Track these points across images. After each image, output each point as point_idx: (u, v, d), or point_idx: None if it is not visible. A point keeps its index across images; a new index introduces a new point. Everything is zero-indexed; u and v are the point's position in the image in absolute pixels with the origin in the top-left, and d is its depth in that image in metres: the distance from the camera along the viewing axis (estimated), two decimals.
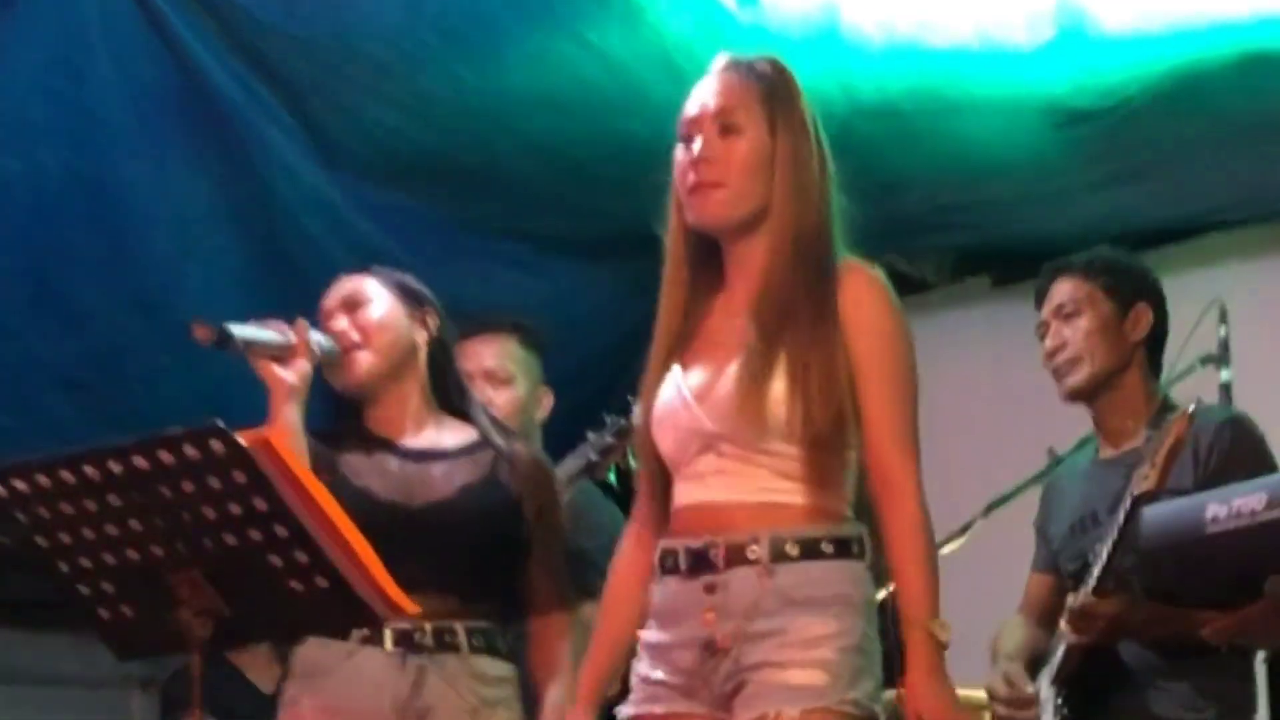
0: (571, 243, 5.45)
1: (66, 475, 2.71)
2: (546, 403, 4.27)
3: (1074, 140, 4.77)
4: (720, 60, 2.95)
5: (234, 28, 4.64)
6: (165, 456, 2.66)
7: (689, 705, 2.77)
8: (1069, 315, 3.64)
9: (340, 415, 3.42)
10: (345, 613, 2.78)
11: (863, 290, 2.82)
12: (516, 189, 5.11)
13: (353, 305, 3.39)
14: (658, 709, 2.79)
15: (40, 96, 4.60)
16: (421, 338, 3.42)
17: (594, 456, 4.05)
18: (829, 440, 2.75)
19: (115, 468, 2.68)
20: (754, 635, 2.71)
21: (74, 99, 4.61)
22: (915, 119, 4.77)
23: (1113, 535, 3.35)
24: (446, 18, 4.58)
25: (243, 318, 3.26)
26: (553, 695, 3.31)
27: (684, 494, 2.83)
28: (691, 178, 2.84)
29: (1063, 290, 3.67)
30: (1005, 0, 4.51)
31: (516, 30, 4.59)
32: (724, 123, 2.85)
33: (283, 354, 3.26)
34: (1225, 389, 4.10)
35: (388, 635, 3.22)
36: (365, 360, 3.36)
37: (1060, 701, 3.50)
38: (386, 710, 3.21)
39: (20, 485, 2.73)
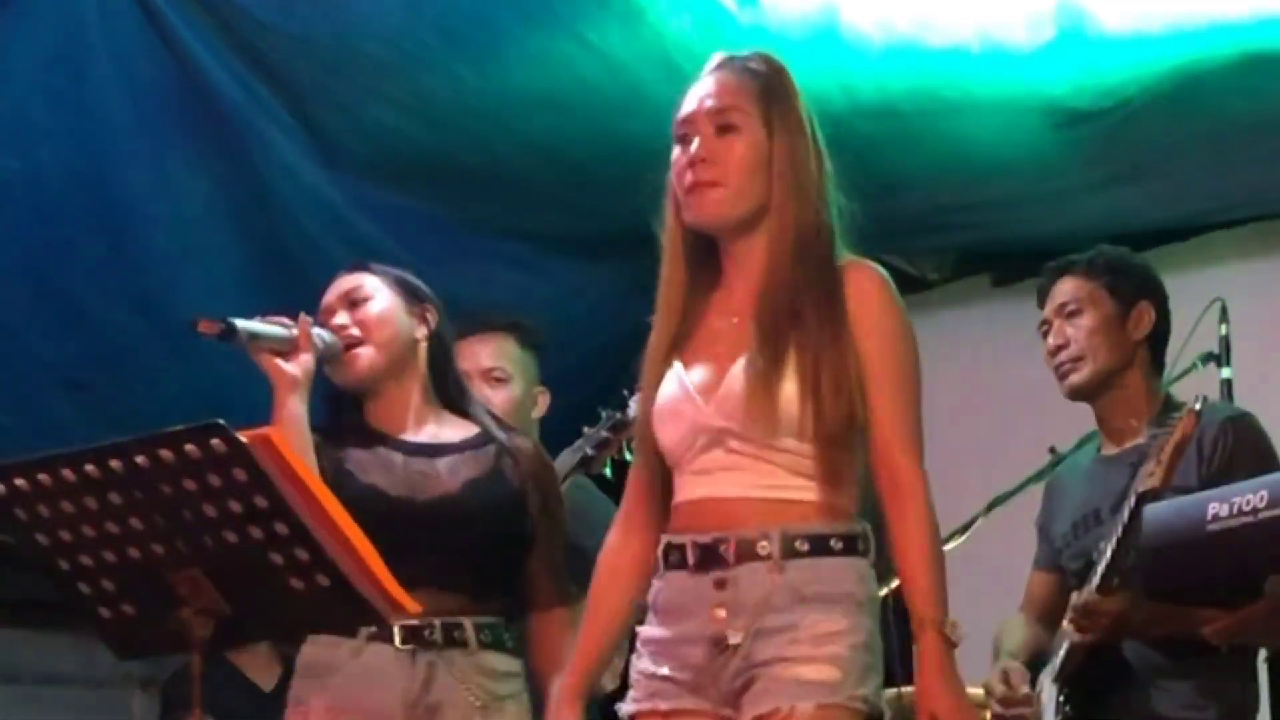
0: (571, 243, 5.45)
1: (67, 473, 2.71)
2: (543, 402, 4.27)
3: (1074, 140, 4.77)
4: (715, 59, 2.94)
5: (234, 27, 4.64)
6: (166, 454, 2.66)
7: (696, 701, 2.77)
8: (1071, 314, 3.65)
9: (341, 411, 3.42)
10: (346, 611, 2.78)
11: (869, 289, 2.83)
12: (516, 189, 5.11)
13: (353, 301, 3.40)
14: (663, 705, 2.78)
15: (40, 96, 4.60)
16: (421, 333, 3.43)
17: (590, 451, 4.05)
18: (840, 438, 2.75)
19: (116, 466, 2.68)
20: (765, 631, 2.71)
21: (74, 99, 4.61)
22: (915, 119, 4.77)
23: (1117, 533, 3.35)
24: (447, 18, 4.59)
25: (244, 316, 3.27)
26: (557, 690, 3.31)
27: (688, 489, 2.82)
28: (689, 177, 2.84)
29: (1065, 289, 3.68)
30: (1005, 0, 4.51)
31: (516, 30, 4.59)
32: (720, 122, 2.85)
33: (286, 348, 3.28)
34: (1225, 387, 4.10)
35: (396, 632, 3.22)
36: (366, 356, 3.37)
37: (1063, 700, 3.50)
38: (396, 707, 3.21)
39: (21, 483, 2.73)
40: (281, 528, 2.68)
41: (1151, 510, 2.76)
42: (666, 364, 2.87)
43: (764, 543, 2.73)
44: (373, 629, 3.18)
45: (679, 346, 2.87)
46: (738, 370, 2.78)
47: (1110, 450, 3.65)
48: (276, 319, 3.31)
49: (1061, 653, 3.50)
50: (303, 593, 2.72)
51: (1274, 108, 4.53)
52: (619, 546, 2.94)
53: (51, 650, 5.82)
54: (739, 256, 2.87)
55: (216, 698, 2.89)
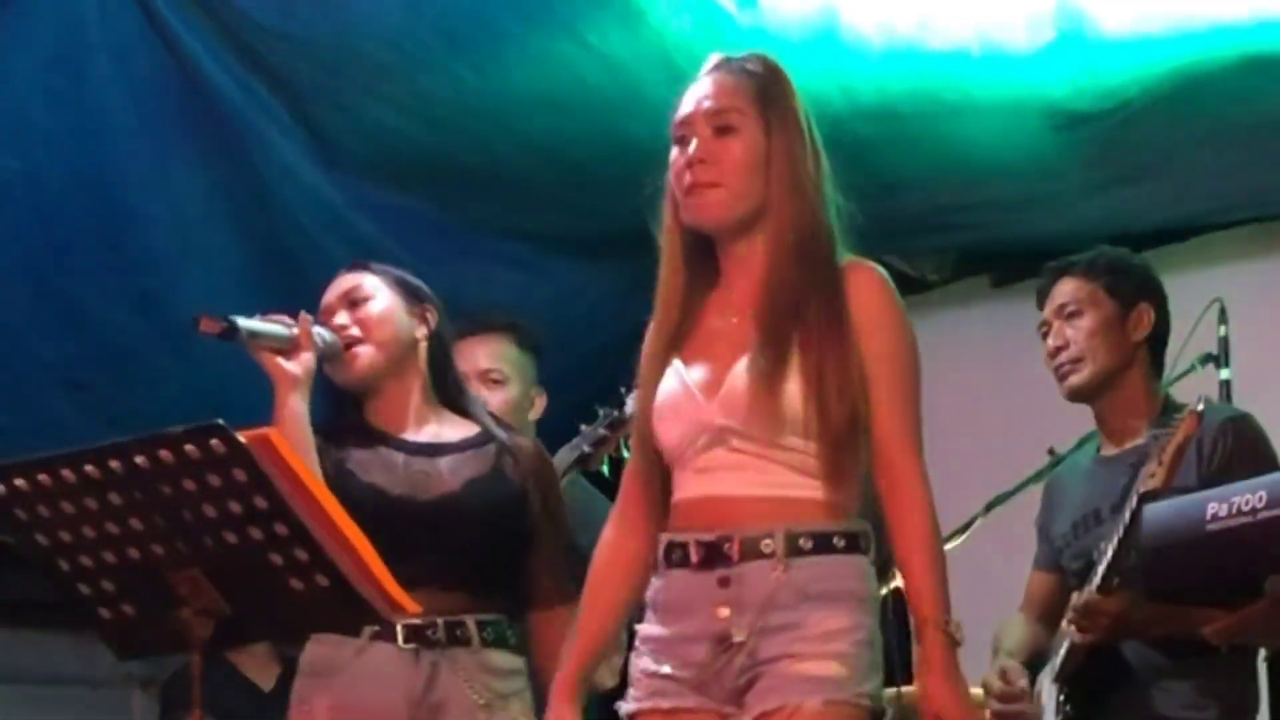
0: (571, 243, 5.45)
1: (67, 473, 2.71)
2: (540, 403, 4.27)
3: (1074, 142, 4.77)
4: (712, 60, 2.95)
5: (234, 28, 4.64)
6: (166, 455, 2.66)
7: (698, 700, 2.76)
8: (1071, 315, 3.65)
9: (341, 411, 3.43)
10: (346, 611, 2.78)
11: (870, 289, 2.83)
12: (516, 189, 5.11)
13: (353, 301, 3.41)
14: (664, 704, 2.78)
15: (40, 96, 4.60)
16: (422, 333, 3.43)
17: (587, 448, 4.05)
18: (844, 437, 2.75)
19: (116, 466, 2.68)
20: (770, 629, 2.71)
21: (74, 99, 4.62)
22: (915, 120, 4.77)
23: (1118, 533, 3.35)
24: (447, 18, 4.59)
25: (244, 315, 3.28)
26: (553, 685, 3.30)
27: (689, 487, 2.82)
28: (688, 178, 2.84)
29: (1065, 290, 3.68)
30: (1005, 2, 4.51)
31: (516, 31, 4.59)
32: (718, 123, 2.85)
33: (286, 346, 3.28)
34: (1225, 388, 4.10)
35: (399, 631, 3.22)
36: (365, 355, 3.37)
37: (1063, 700, 3.50)
38: (399, 706, 3.22)
39: (21, 483, 2.73)
40: (281, 528, 2.68)
41: (1151, 510, 2.76)
42: (665, 362, 2.87)
43: (768, 541, 2.73)
44: (376, 628, 3.18)
45: (677, 345, 2.87)
46: (740, 369, 2.78)
47: (1110, 451, 3.66)
48: (277, 317, 3.31)
49: (1062, 653, 3.50)
50: (302, 593, 2.73)
51: (1274, 109, 4.53)
52: (614, 543, 2.94)
53: (51, 650, 5.82)
54: (738, 256, 2.87)
55: (216, 698, 2.89)
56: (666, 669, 2.78)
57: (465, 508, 3.31)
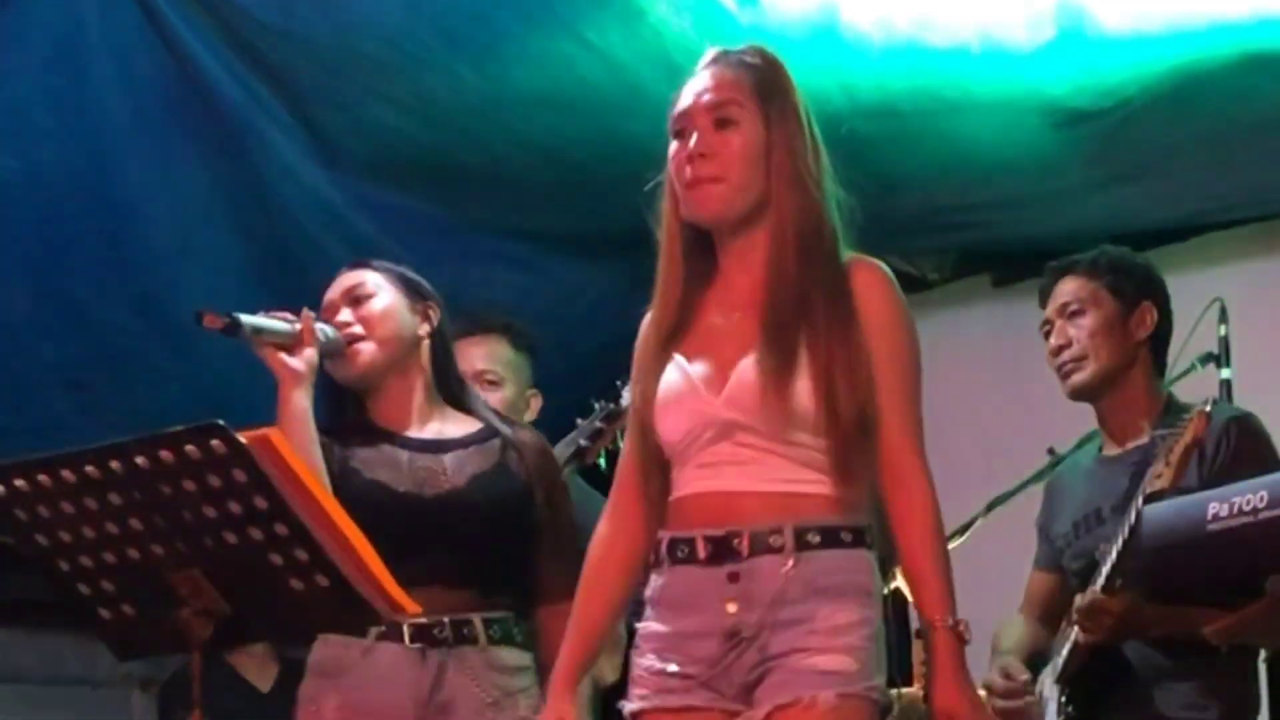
0: (571, 243, 5.45)
1: (67, 474, 2.71)
2: (535, 404, 4.27)
3: (1074, 140, 4.77)
4: (710, 53, 2.94)
5: (234, 27, 4.63)
6: (166, 455, 2.66)
7: (705, 697, 2.76)
8: (1074, 313, 3.65)
9: (342, 409, 3.43)
10: (346, 611, 2.77)
11: (875, 286, 2.83)
12: (516, 189, 5.11)
13: (355, 298, 3.41)
14: (673, 701, 2.77)
15: (40, 96, 4.60)
16: (424, 330, 3.44)
17: (584, 442, 4.05)
18: (854, 434, 2.75)
19: (116, 466, 2.68)
20: (780, 623, 2.71)
21: (74, 99, 4.61)
22: (915, 119, 4.77)
23: (1123, 534, 3.35)
24: (447, 18, 4.58)
25: (246, 313, 3.27)
26: (551, 680, 3.30)
27: (692, 482, 2.81)
28: (689, 173, 2.83)
29: (1067, 289, 3.68)
30: (1005, 0, 4.50)
31: (516, 30, 4.59)
32: (718, 116, 2.84)
33: (289, 342, 3.28)
34: (1225, 388, 4.10)
35: (406, 630, 3.22)
36: (366, 351, 3.37)
37: (1064, 700, 3.50)
38: (407, 706, 3.22)
39: (21, 484, 2.73)
40: (281, 528, 2.68)
41: (1151, 510, 2.76)
42: (664, 357, 2.85)
43: (776, 535, 2.73)
44: (382, 628, 3.18)
45: (676, 340, 2.87)
46: (747, 364, 2.77)
47: (1112, 450, 3.65)
48: (280, 314, 3.32)
49: (1064, 653, 3.50)
50: (302, 593, 2.72)
51: (1274, 108, 4.53)
52: (609, 539, 2.93)
53: (51, 650, 5.82)
54: (738, 251, 2.87)
55: (215, 698, 2.89)
56: (673, 667, 2.78)
57: (470, 503, 3.31)
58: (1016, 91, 4.65)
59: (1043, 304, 3.74)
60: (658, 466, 2.87)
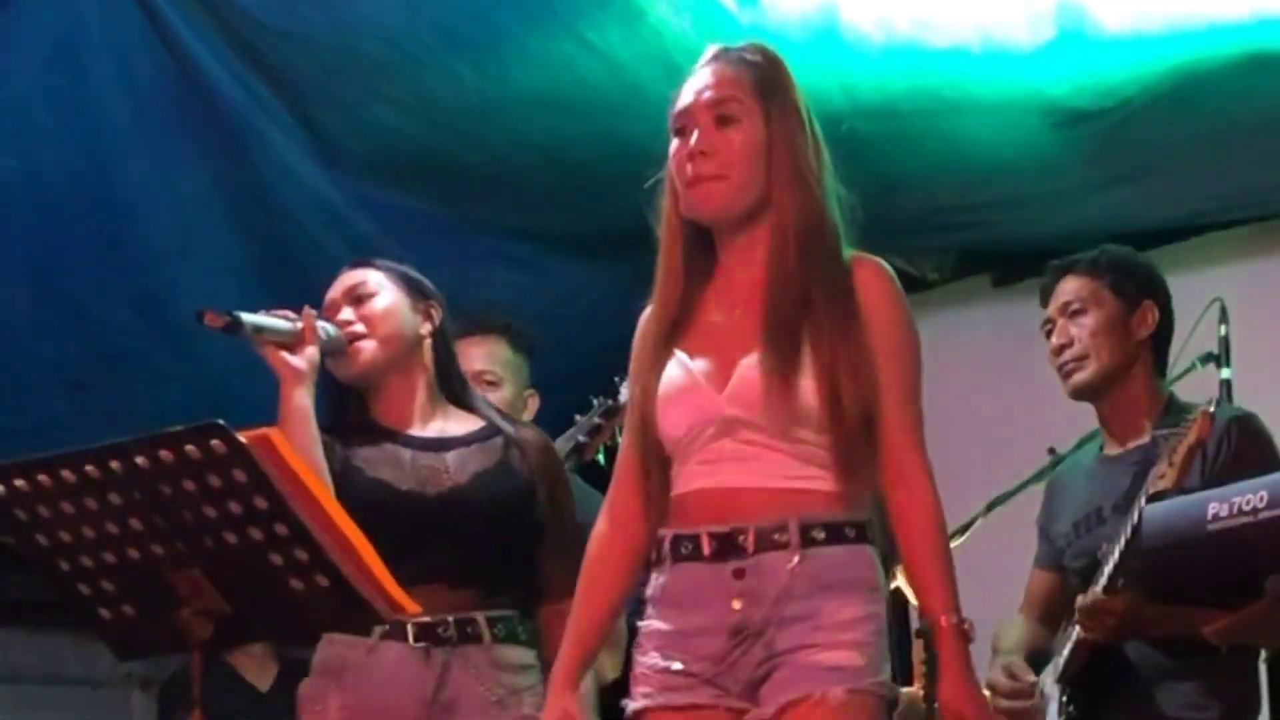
0: (571, 243, 5.45)
1: (67, 474, 2.70)
2: (532, 405, 4.27)
3: (1074, 140, 4.77)
4: (710, 51, 2.93)
5: (234, 27, 4.63)
6: (166, 455, 2.65)
7: (711, 694, 2.75)
8: (1075, 312, 3.65)
9: (343, 408, 3.42)
10: (346, 611, 2.77)
11: (876, 283, 2.83)
12: (516, 189, 5.11)
13: (357, 297, 3.41)
14: (678, 700, 2.76)
15: (40, 96, 4.60)
16: (426, 329, 3.43)
17: (583, 438, 4.05)
18: (858, 432, 2.75)
19: (116, 466, 2.68)
20: (786, 619, 2.71)
21: (74, 99, 4.61)
22: (915, 119, 4.77)
23: (1125, 534, 3.35)
24: (447, 18, 4.58)
25: (247, 311, 3.27)
26: (552, 676, 3.29)
27: (695, 479, 2.81)
28: (690, 170, 2.83)
29: (1069, 288, 3.68)
30: (1005, 1, 4.51)
31: (517, 30, 4.59)
32: (719, 113, 2.84)
33: (290, 341, 3.28)
34: (1225, 388, 4.10)
35: (410, 630, 3.22)
36: (367, 350, 3.37)
37: (1066, 699, 3.50)
38: (411, 705, 3.22)
39: (21, 484, 2.73)
40: (281, 528, 2.68)
41: (1151, 510, 2.76)
42: (664, 353, 2.85)
43: (781, 532, 2.73)
44: (386, 627, 3.17)
45: (676, 337, 2.86)
46: (750, 361, 2.77)
47: (1113, 450, 3.65)
48: (281, 312, 3.31)
49: (1065, 652, 3.49)
50: (302, 593, 2.72)
51: (1274, 108, 4.53)
52: (608, 536, 2.92)
53: (51, 650, 5.82)
54: (739, 249, 2.86)
55: (215, 699, 2.89)
56: (677, 665, 2.77)
57: (473, 501, 3.31)
58: (1017, 92, 4.65)
59: (1044, 303, 3.73)
60: (657, 463, 2.86)
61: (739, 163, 2.82)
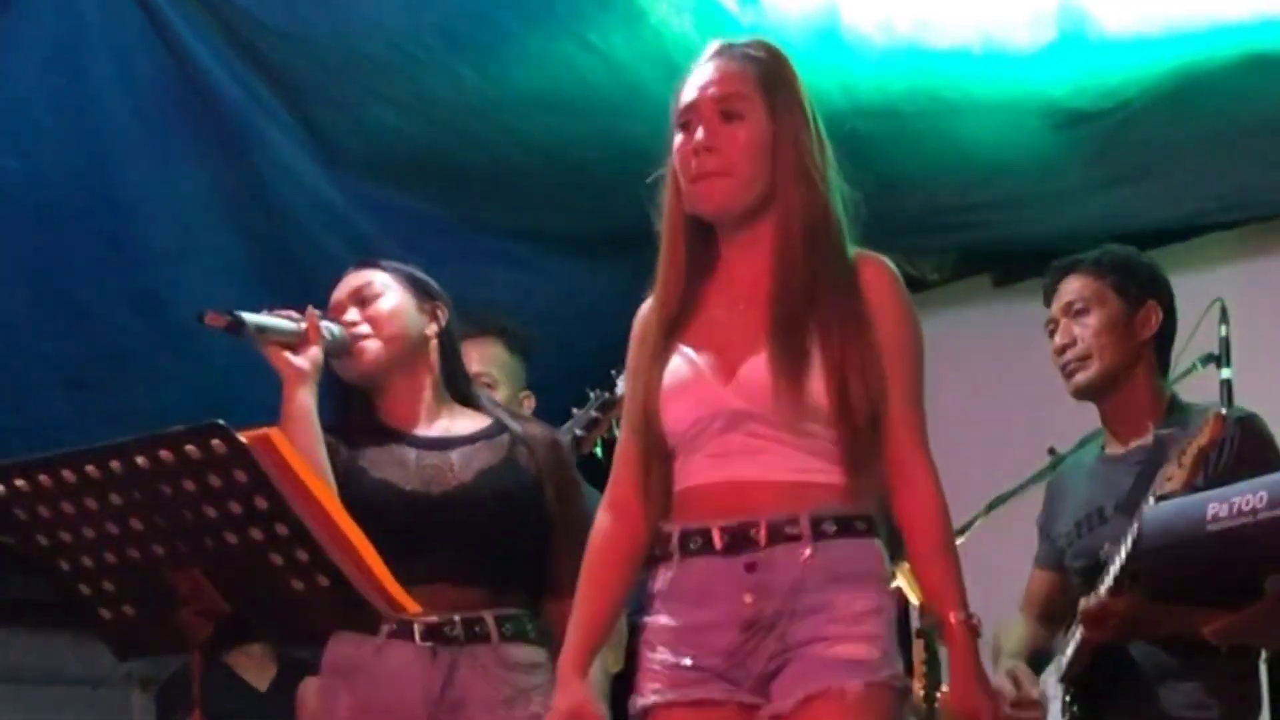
0: (571, 243, 5.45)
1: (67, 474, 2.70)
2: (529, 406, 4.26)
3: (1074, 141, 4.77)
4: (713, 46, 2.93)
5: (234, 27, 4.64)
6: (166, 455, 2.65)
7: (724, 689, 2.75)
8: (1078, 312, 3.65)
9: (348, 408, 3.42)
10: (347, 611, 2.77)
11: (882, 282, 2.84)
12: (516, 189, 5.11)
13: (363, 298, 3.41)
14: (692, 695, 2.75)
15: (40, 96, 4.60)
16: (432, 330, 3.43)
17: (579, 432, 4.04)
18: (865, 427, 2.76)
19: (116, 466, 2.68)
20: (799, 612, 2.71)
21: (74, 99, 4.61)
22: (916, 120, 4.77)
23: (1131, 534, 3.34)
24: (447, 18, 4.58)
25: (249, 311, 3.27)
26: (559, 668, 3.28)
27: (702, 473, 2.80)
28: (695, 165, 2.82)
29: (1072, 287, 3.68)
30: (1006, 2, 4.51)
31: (517, 30, 4.59)
32: (724, 109, 2.83)
33: (294, 341, 3.27)
34: (1225, 388, 4.10)
35: (417, 629, 3.21)
36: (372, 349, 3.36)
37: (1069, 700, 3.50)
38: (418, 704, 3.21)
39: (21, 484, 2.73)
40: (281, 529, 2.68)
41: (1151, 510, 2.76)
42: (666, 346, 2.84)
43: (793, 525, 2.73)
44: (394, 627, 3.17)
45: (679, 331, 2.86)
46: (758, 355, 2.77)
47: (1115, 450, 3.65)
48: (285, 312, 3.31)
49: (1069, 653, 3.49)
50: (303, 593, 2.72)
51: (1274, 108, 4.53)
52: (609, 531, 2.91)
53: (51, 650, 5.83)
54: (742, 244, 2.86)
55: (215, 699, 2.89)
56: (687, 660, 2.76)
57: (478, 499, 3.30)
58: (1017, 92, 4.65)
59: (1047, 302, 3.73)
60: (659, 457, 2.85)
61: (743, 159, 2.81)
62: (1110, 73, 4.56)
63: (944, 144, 4.86)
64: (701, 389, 2.80)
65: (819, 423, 2.75)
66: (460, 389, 3.46)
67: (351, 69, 4.72)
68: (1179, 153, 4.83)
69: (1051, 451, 3.97)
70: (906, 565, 3.66)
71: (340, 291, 3.44)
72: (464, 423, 3.41)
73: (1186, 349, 3.96)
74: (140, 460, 2.67)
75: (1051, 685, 3.55)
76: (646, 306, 2.93)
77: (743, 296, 2.84)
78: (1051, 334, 3.70)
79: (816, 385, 2.74)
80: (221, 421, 2.64)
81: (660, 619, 2.81)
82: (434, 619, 3.19)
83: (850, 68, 4.59)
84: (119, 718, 6.20)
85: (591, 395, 4.09)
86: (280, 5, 4.59)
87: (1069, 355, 3.64)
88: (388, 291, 3.41)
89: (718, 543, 2.76)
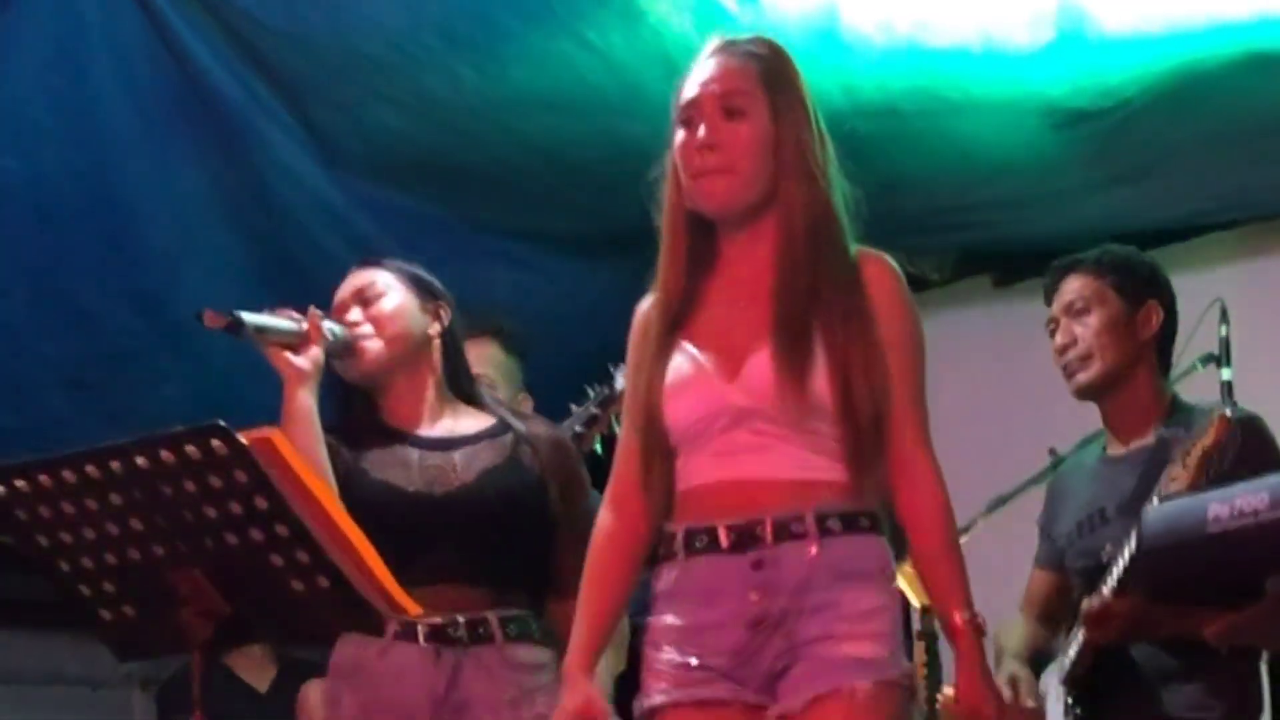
0: (571, 243, 5.45)
1: (68, 474, 2.70)
2: (526, 407, 4.26)
3: (1074, 141, 4.78)
4: (714, 43, 2.93)
5: (234, 27, 4.63)
6: (166, 455, 2.65)
7: (730, 689, 2.74)
8: (1079, 312, 3.65)
9: (350, 408, 3.42)
10: (347, 612, 2.77)
11: (883, 279, 2.84)
12: (516, 189, 5.11)
13: (366, 298, 3.40)
14: (699, 694, 2.75)
15: (40, 96, 4.60)
16: (435, 330, 3.43)
17: (579, 428, 4.04)
18: (869, 425, 2.75)
19: (116, 467, 2.68)
20: (806, 609, 2.71)
21: (74, 99, 4.61)
22: (916, 119, 4.77)
23: (1135, 535, 3.34)
24: (447, 18, 4.58)
25: (249, 311, 3.26)
26: (566, 668, 3.27)
27: (706, 471, 2.80)
28: (697, 162, 2.82)
29: (1073, 287, 3.67)
30: (1006, 1, 4.51)
31: (517, 30, 4.59)
32: (727, 106, 2.83)
33: (295, 341, 3.26)
34: (1225, 389, 4.09)
35: (420, 630, 3.21)
36: (373, 349, 3.36)
37: (1071, 700, 3.49)
38: (422, 705, 3.21)
39: (21, 484, 2.73)
40: (282, 529, 2.67)
41: (1152, 511, 2.76)
42: (668, 343, 2.84)
43: (799, 522, 2.73)
44: (398, 628, 3.17)
45: (680, 328, 2.85)
46: (762, 353, 2.77)
47: (1117, 450, 3.65)
48: (285, 312, 3.30)
49: (1072, 654, 3.49)
50: (303, 594, 2.72)
51: (1274, 108, 4.53)
52: (612, 528, 2.90)
53: (51, 650, 5.82)
54: (743, 241, 2.86)
55: (215, 699, 2.89)
56: (694, 660, 2.76)
57: (481, 498, 3.29)
58: (1017, 92, 4.65)
59: (1048, 301, 3.73)
60: (660, 454, 2.84)
61: (746, 156, 2.81)
62: (1110, 72, 4.56)
63: (944, 144, 4.86)
64: (704, 386, 2.79)
65: (822, 420, 2.75)
66: (464, 388, 3.46)
67: (351, 69, 4.71)
68: (1179, 153, 4.83)
69: (1052, 452, 3.97)
70: (907, 566, 3.65)
71: (343, 291, 3.43)
72: (467, 422, 3.41)
73: (1186, 349, 3.96)
74: (140, 461, 2.66)
75: (1053, 686, 3.55)
76: (647, 302, 2.93)
77: (744, 293, 2.83)
78: (1052, 334, 3.69)
79: (820, 382, 2.74)
80: (222, 422, 2.64)
81: (666, 618, 2.80)
82: (438, 620, 3.19)
83: (850, 67, 4.59)
84: (119, 718, 6.19)
85: (590, 391, 4.09)
86: (280, 5, 4.59)
87: (1070, 355, 3.64)
88: (390, 291, 3.41)
89: (724, 541, 2.75)
